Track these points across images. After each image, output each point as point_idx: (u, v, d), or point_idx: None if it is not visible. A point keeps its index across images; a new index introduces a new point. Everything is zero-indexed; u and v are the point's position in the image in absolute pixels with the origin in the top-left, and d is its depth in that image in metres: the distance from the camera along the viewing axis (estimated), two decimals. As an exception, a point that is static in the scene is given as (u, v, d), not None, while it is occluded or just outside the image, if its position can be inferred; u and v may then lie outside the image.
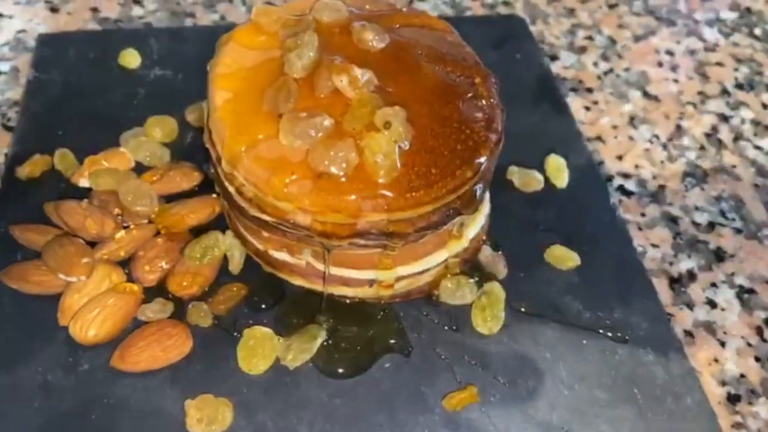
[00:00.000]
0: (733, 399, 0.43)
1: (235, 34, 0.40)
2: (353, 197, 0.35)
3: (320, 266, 0.40)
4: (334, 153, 0.35)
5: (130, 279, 0.42)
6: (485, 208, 0.44)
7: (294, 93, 0.36)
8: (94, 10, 0.62)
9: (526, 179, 0.50)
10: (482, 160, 0.37)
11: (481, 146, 0.37)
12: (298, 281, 0.42)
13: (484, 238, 0.45)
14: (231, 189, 0.37)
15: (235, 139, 0.36)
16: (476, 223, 0.43)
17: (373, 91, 0.37)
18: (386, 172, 0.35)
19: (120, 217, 0.44)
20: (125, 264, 0.43)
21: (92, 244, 0.43)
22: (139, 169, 0.48)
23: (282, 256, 0.41)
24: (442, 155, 0.36)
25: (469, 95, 0.38)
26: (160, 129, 0.49)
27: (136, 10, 0.63)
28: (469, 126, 0.37)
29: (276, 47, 0.39)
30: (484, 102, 0.38)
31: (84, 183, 0.46)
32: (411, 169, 0.35)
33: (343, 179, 0.35)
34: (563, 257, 0.46)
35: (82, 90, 0.53)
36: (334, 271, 0.40)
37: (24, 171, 0.47)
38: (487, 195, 0.45)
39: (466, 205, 0.37)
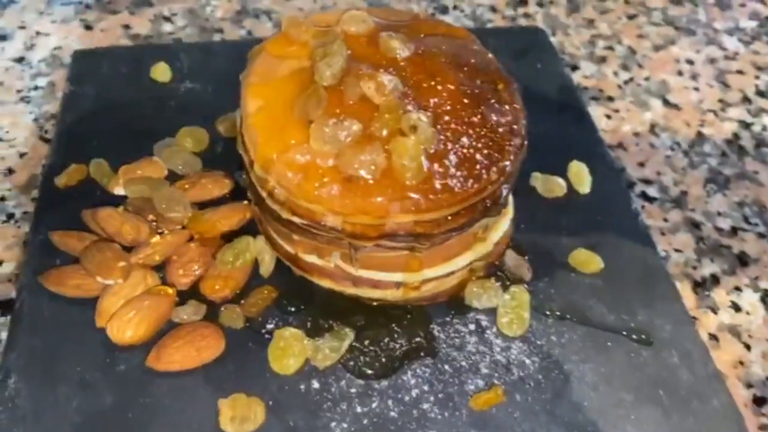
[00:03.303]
0: (759, 401, 0.44)
1: (266, 45, 0.42)
2: (381, 199, 0.36)
3: (349, 269, 0.41)
4: (362, 157, 0.36)
5: (165, 283, 0.43)
6: (509, 211, 0.45)
7: (323, 100, 0.37)
8: (126, 27, 0.65)
9: (549, 185, 0.51)
10: (506, 163, 0.38)
11: (505, 150, 0.38)
12: (327, 284, 0.43)
13: (508, 242, 0.46)
14: (263, 193, 0.39)
15: (268, 144, 0.37)
16: (500, 227, 0.43)
17: (400, 98, 0.38)
18: (413, 175, 0.36)
19: (154, 224, 0.45)
20: (159, 269, 0.44)
21: (128, 250, 0.44)
22: (172, 177, 0.49)
23: (311, 259, 0.42)
24: (467, 159, 0.37)
25: (492, 101, 0.39)
26: (191, 139, 0.51)
27: (166, 27, 0.65)
28: (494, 130, 0.38)
29: (306, 57, 0.40)
30: (507, 107, 0.39)
31: (119, 191, 0.48)
32: (437, 172, 0.36)
33: (371, 182, 0.36)
34: (587, 261, 0.46)
35: (116, 103, 0.55)
36: (363, 273, 0.41)
37: (61, 180, 0.48)
38: (512, 199, 0.46)
39: (492, 207, 0.38)
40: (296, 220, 0.38)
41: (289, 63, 0.40)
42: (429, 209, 0.36)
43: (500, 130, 0.38)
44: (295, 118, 0.38)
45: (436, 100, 0.38)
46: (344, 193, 0.36)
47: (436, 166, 0.37)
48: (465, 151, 0.37)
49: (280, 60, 0.40)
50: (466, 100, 0.39)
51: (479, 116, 0.38)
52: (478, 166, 0.37)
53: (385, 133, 0.37)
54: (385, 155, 0.36)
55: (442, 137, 0.37)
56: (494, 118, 0.39)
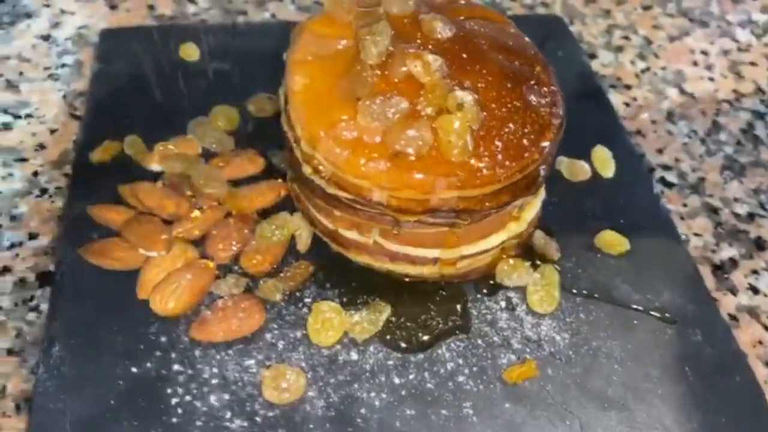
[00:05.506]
0: (777, 379, 0.45)
1: (309, 25, 0.42)
2: (427, 175, 0.37)
3: (388, 245, 0.42)
4: (410, 133, 0.37)
5: (203, 256, 0.44)
6: (542, 192, 0.46)
7: (370, 78, 0.38)
8: (151, 7, 0.65)
9: (573, 169, 0.52)
10: (546, 143, 0.39)
11: (546, 129, 0.39)
12: (364, 259, 0.44)
13: (537, 223, 0.47)
14: (308, 170, 0.40)
15: (315, 121, 0.38)
16: (534, 206, 0.45)
17: (444, 77, 0.39)
18: (459, 152, 0.37)
19: (193, 199, 0.46)
20: (197, 243, 0.45)
21: (166, 224, 0.45)
22: (205, 155, 0.50)
23: (351, 234, 0.43)
24: (511, 137, 0.38)
25: (532, 82, 0.41)
26: (224, 117, 0.51)
27: (190, 8, 0.65)
28: (534, 110, 0.39)
29: (348, 36, 0.41)
30: (545, 88, 0.41)
31: (154, 167, 0.48)
32: (482, 149, 0.38)
33: (417, 158, 0.37)
34: (613, 242, 0.48)
35: (145, 81, 0.55)
36: (401, 249, 0.42)
37: (96, 155, 0.49)
38: (543, 180, 0.47)
39: (531, 186, 0.39)
40: (342, 195, 0.39)
41: (333, 42, 0.41)
42: (473, 186, 0.37)
43: (541, 111, 0.39)
44: (341, 95, 0.38)
45: (479, 80, 0.39)
46: (391, 169, 0.37)
47: (480, 144, 0.38)
48: (508, 130, 0.38)
49: (323, 39, 0.41)
50: (507, 82, 0.40)
51: (521, 97, 0.40)
52: (520, 146, 0.38)
53: (431, 111, 0.38)
54: (432, 132, 0.37)
55: (486, 117, 0.38)
56: (534, 99, 0.40)
